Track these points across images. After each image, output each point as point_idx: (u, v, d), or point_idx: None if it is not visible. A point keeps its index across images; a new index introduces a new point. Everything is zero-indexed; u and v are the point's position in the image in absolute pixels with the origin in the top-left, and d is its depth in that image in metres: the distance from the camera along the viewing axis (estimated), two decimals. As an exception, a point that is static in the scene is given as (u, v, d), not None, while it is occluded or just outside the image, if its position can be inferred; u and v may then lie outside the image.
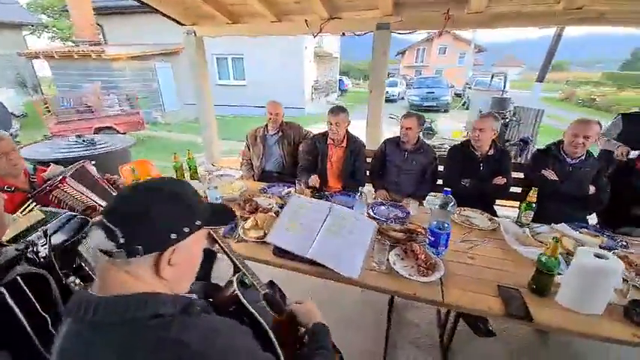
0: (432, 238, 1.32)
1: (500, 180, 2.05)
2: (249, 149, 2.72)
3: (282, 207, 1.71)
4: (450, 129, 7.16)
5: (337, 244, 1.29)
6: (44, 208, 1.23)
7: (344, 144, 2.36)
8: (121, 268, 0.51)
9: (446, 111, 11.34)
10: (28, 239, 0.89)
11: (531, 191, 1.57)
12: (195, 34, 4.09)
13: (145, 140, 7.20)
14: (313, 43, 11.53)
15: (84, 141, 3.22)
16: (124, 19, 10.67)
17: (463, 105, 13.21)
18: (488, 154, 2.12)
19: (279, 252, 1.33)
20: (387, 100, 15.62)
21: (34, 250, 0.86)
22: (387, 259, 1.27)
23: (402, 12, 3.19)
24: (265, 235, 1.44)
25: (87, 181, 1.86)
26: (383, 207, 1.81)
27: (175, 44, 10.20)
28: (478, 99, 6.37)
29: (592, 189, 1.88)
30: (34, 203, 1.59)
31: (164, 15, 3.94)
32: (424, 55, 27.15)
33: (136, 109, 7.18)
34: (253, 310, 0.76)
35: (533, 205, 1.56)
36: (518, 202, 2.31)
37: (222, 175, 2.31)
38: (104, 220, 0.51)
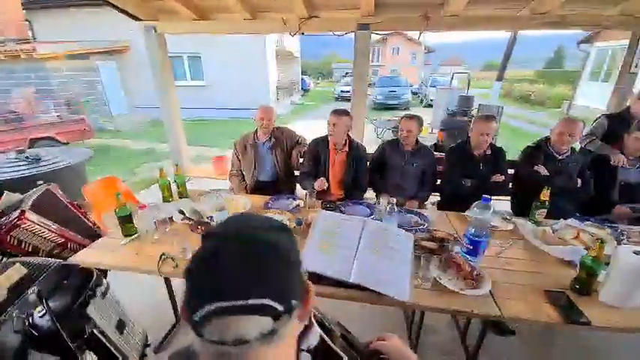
0: (471, 247, 1.29)
1: (499, 177, 2.12)
2: (238, 159, 2.49)
3: (299, 224, 1.56)
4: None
5: (379, 262, 1.19)
6: (21, 259, 0.94)
7: (346, 149, 2.26)
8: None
9: (406, 109, 11.83)
10: (17, 308, 0.64)
11: (543, 190, 1.63)
12: (155, 31, 3.66)
13: (96, 151, 6.35)
14: (273, 41, 11.23)
15: (27, 157, 2.68)
16: (57, 15, 9.29)
17: (421, 103, 13.95)
18: (486, 153, 2.19)
19: (316, 278, 1.19)
20: (349, 99, 15.92)
21: (30, 321, 0.62)
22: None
23: (382, 13, 3.17)
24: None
25: (55, 210, 1.52)
26: (399, 213, 1.75)
27: (121, 41, 9.20)
28: (442, 97, 6.72)
29: (579, 182, 2.03)
30: None
31: (117, 9, 3.46)
32: (379, 55, 28.15)
33: (80, 114, 6.30)
34: (343, 355, 0.64)
35: (546, 203, 1.62)
36: (509, 197, 2.45)
37: (214, 191, 2.06)
38: (251, 302, 0.34)
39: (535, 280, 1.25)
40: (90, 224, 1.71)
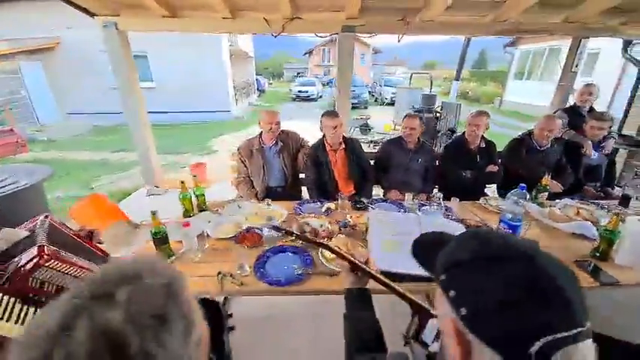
0: (509, 231, 1.44)
1: (493, 168, 2.38)
2: (245, 165, 2.37)
3: (345, 226, 1.57)
4: (378, 124, 7.84)
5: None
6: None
7: (342, 146, 2.32)
8: None
9: (365, 107, 12.35)
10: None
11: (545, 175, 1.89)
12: (116, 27, 3.28)
13: (31, 166, 5.42)
14: (226, 41, 10.76)
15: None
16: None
17: (376, 101, 14.65)
18: (481, 146, 2.43)
19: (398, 278, 1.23)
20: (307, 99, 16.01)
21: None
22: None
23: (365, 16, 3.29)
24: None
25: (64, 241, 1.29)
26: (427, 207, 1.87)
27: (48, 38, 7.95)
28: (403, 96, 7.19)
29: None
30: (8, 297, 1.02)
31: (69, 2, 3.02)
32: (329, 55, 28.80)
33: (7, 125, 5.30)
34: None
35: (547, 186, 1.88)
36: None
37: (232, 201, 1.95)
38: (587, 325, 0.34)
39: (560, 253, 1.45)
40: (99, 252, 1.49)
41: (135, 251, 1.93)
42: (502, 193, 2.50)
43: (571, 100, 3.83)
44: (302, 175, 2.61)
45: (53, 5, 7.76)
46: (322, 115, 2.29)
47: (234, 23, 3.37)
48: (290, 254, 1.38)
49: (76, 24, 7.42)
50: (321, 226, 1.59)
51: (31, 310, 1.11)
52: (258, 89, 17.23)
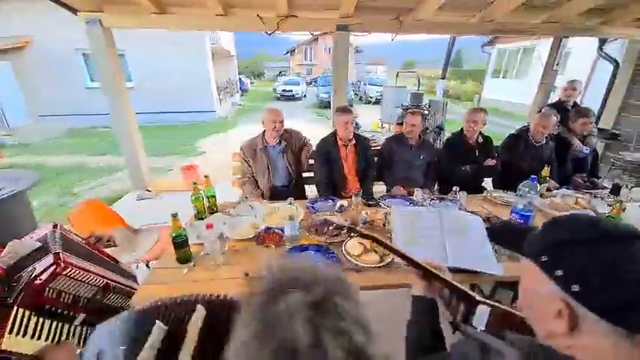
0: (522, 220, 1.50)
1: (491, 162, 2.48)
2: (249, 165, 2.33)
3: (364, 222, 1.59)
4: (365, 122, 7.94)
5: (466, 244, 1.31)
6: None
7: (353, 142, 2.34)
8: None
9: (350, 105, 12.43)
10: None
11: (545, 168, 1.99)
12: (101, 24, 3.12)
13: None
14: (208, 39, 10.47)
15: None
16: None
17: (360, 100, 14.79)
18: (479, 141, 2.52)
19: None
20: (292, 99, 15.91)
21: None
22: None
23: (360, 15, 3.31)
24: (382, 259, 1.31)
25: (77, 249, 1.22)
26: (435, 201, 1.91)
27: (17, 38, 7.43)
28: (389, 94, 7.32)
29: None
30: (23, 310, 0.95)
31: (49, -3, 2.85)
32: (312, 54, 28.77)
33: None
34: None
35: (547, 178, 1.97)
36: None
37: (242, 202, 1.91)
38: None
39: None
40: (110, 259, 1.42)
41: (145, 258, 1.86)
42: (499, 187, 2.60)
43: (553, 97, 4.05)
44: (305, 174, 2.62)
45: (24, 3, 7.27)
46: (335, 111, 2.31)
47: (227, 20, 3.29)
48: (313, 252, 1.38)
49: (49, 22, 7.00)
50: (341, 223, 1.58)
51: (47, 322, 1.05)
52: (240, 89, 16.92)
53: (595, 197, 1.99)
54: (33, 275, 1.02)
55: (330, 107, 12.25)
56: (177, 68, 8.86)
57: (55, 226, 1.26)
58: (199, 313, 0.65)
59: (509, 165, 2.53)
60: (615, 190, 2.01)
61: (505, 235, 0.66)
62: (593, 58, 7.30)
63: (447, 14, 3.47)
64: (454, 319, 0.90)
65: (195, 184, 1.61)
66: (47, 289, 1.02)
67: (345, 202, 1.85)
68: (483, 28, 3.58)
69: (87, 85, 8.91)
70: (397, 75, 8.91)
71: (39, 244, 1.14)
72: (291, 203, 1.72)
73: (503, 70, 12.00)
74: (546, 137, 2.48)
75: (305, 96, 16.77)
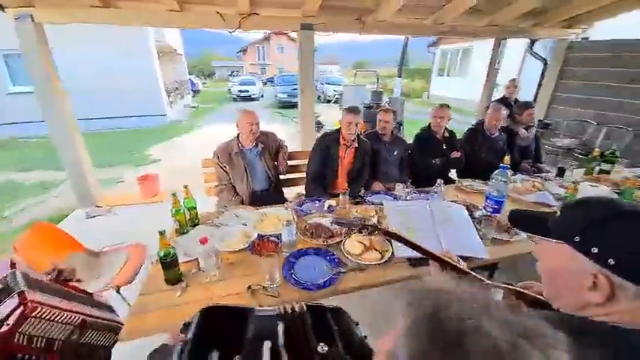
0: (496, 206, 1.65)
1: (456, 154, 2.67)
2: (225, 171, 2.19)
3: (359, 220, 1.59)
4: (328, 121, 8.01)
5: (457, 232, 1.39)
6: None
7: (355, 144, 2.34)
8: None
9: (310, 105, 12.50)
10: None
11: (505, 157, 2.19)
12: (32, 20, 2.70)
13: None
14: (152, 36, 9.64)
15: None
16: None
17: (318, 99, 14.91)
18: (445, 135, 2.70)
19: (414, 262, 1.30)
20: (249, 99, 15.44)
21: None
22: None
23: (323, 14, 3.32)
24: (382, 255, 1.33)
25: (42, 288, 1.03)
26: (416, 194, 2.00)
27: None
28: (350, 93, 7.49)
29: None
30: None
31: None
32: (265, 53, 28.22)
33: None
34: None
35: (508, 166, 2.18)
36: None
37: (224, 211, 1.79)
38: None
39: (534, 220, 1.72)
40: (80, 292, 1.23)
41: (115, 283, 1.64)
42: (462, 177, 2.82)
43: (495, 93, 4.51)
44: (283, 177, 2.56)
45: None
46: (344, 110, 2.27)
47: (182, 17, 3.06)
48: (314, 256, 1.34)
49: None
50: (332, 224, 1.57)
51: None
52: (192, 90, 15.92)
53: (546, 180, 2.26)
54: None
55: (289, 107, 12.20)
56: (118, 68, 7.98)
57: (12, 265, 1.06)
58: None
59: (469, 156, 2.75)
60: (561, 172, 2.31)
61: (525, 222, 0.71)
62: (521, 58, 8.30)
63: (405, 16, 3.65)
64: None
65: (174, 195, 1.46)
66: (17, 334, 0.84)
67: (332, 202, 1.84)
68: (435, 29, 3.85)
69: (9, 90, 7.60)
70: (355, 74, 9.18)
71: None
72: (287, 208, 1.66)
73: (446, 69, 13.04)
74: (499, 129, 2.75)
75: (262, 96, 16.40)
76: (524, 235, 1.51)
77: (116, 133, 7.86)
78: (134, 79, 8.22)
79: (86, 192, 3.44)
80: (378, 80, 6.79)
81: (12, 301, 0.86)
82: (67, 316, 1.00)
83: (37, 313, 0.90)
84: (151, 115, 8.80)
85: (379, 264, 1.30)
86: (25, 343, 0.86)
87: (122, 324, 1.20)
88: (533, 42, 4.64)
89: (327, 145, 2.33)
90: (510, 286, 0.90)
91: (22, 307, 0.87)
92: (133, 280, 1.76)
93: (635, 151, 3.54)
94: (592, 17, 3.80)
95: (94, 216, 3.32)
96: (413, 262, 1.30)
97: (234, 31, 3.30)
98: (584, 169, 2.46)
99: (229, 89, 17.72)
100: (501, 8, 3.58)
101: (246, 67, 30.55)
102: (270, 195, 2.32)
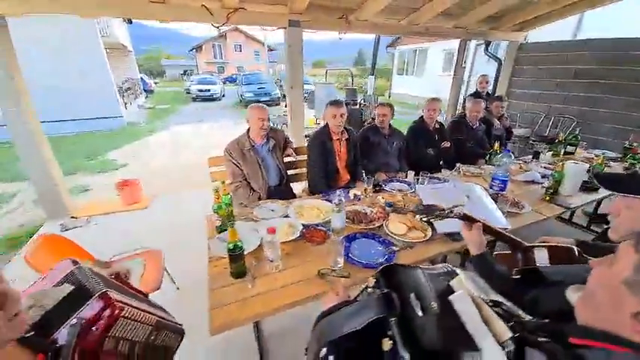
0: (502, 185, 1.88)
1: (446, 144, 2.92)
2: (240, 168, 2.14)
3: (389, 205, 1.70)
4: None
5: (484, 208, 1.57)
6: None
7: (346, 136, 2.43)
8: None
9: (277, 104, 12.34)
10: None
11: (496, 144, 2.48)
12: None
13: None
14: (98, 30, 8.73)
15: None
16: None
17: (285, 97, 14.81)
18: (436, 127, 2.94)
19: (455, 237, 1.44)
20: (210, 99, 14.75)
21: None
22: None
23: (310, 12, 3.38)
24: (425, 233, 1.46)
25: (115, 288, 0.96)
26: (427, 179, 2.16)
27: None
28: (321, 91, 7.60)
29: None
30: None
31: None
32: (221, 51, 27.09)
33: None
34: None
35: (499, 151, 2.47)
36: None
37: (259, 207, 1.77)
38: None
39: (528, 196, 1.98)
40: (139, 292, 1.16)
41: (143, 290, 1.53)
42: (451, 164, 3.09)
43: (463, 89, 4.96)
44: (290, 172, 2.57)
45: None
46: (327, 105, 2.32)
47: (165, 9, 2.89)
48: (363, 239, 1.42)
49: None
50: (371, 211, 1.66)
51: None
52: (144, 90, 14.73)
53: (525, 162, 2.60)
54: (80, 328, 0.77)
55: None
56: (63, 67, 7.12)
57: (75, 262, 0.96)
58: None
59: (457, 146, 3.04)
60: (536, 155, 2.67)
61: (612, 182, 0.85)
62: (472, 58, 9.18)
63: (384, 16, 3.85)
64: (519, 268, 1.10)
65: (216, 191, 1.42)
66: (106, 339, 0.79)
67: (357, 192, 1.93)
68: (411, 29, 4.12)
69: None
70: (326, 72, 9.36)
71: (70, 288, 0.85)
72: (357, 194, 1.70)
73: (405, 69, 13.85)
74: (479, 120, 3.08)
75: (224, 96, 15.77)
76: (529, 208, 1.75)
77: (68, 138, 7.01)
78: (85, 78, 7.40)
79: (56, 202, 3.07)
80: (352, 77, 7.02)
81: (95, 305, 0.80)
82: (145, 316, 0.95)
83: (125, 313, 0.85)
84: (106, 117, 8.00)
85: (423, 241, 1.42)
86: (112, 348, 0.81)
87: (180, 324, 1.16)
88: (488, 44, 5.20)
89: (322, 141, 2.36)
90: (550, 243, 1.07)
91: (110, 309, 0.82)
92: (159, 287, 1.67)
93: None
94: (537, 22, 4.39)
95: (69, 228, 2.98)
96: (454, 237, 1.44)
97: (220, 26, 3.20)
98: (552, 152, 2.88)
99: (187, 89, 16.76)
100: (466, 12, 3.97)
101: (201, 66, 29.03)
102: (282, 190, 2.33)
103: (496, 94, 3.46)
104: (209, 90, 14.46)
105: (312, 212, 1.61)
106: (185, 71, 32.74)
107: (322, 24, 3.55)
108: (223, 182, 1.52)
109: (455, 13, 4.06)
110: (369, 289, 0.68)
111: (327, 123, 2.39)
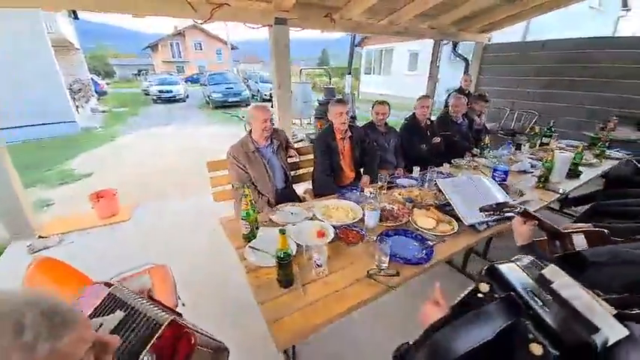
0: (504, 175, 2.01)
1: (437, 139, 3.05)
2: (246, 172, 2.04)
3: (410, 201, 1.73)
4: (274, 118, 7.93)
5: (493, 195, 1.67)
6: None
7: (349, 134, 2.42)
8: None
9: (247, 105, 11.98)
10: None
11: (486, 138, 2.63)
12: None
13: None
14: (44, 24, 7.77)
15: None
16: None
17: (253, 97, 14.46)
18: (427, 123, 3.05)
19: (478, 228, 1.51)
20: (172, 100, 13.89)
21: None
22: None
23: (297, 10, 3.32)
24: (452, 226, 1.51)
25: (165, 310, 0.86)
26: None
27: None
28: (298, 90, 7.53)
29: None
30: None
31: None
32: (180, 50, 25.61)
33: None
34: None
35: (488, 144, 2.63)
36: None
37: (278, 211, 1.70)
38: None
39: (524, 183, 2.15)
40: (172, 311, 1.05)
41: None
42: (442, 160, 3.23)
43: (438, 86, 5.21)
44: (297, 172, 2.51)
45: None
46: (331, 103, 2.31)
47: (144, 3, 2.68)
48: (396, 236, 1.43)
49: None
50: (395, 208, 1.68)
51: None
52: (96, 91, 13.44)
53: (514, 154, 2.81)
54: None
55: (226, 107, 11.44)
56: (7, 65, 6.24)
57: (107, 284, 0.86)
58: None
59: (446, 141, 3.19)
60: (518, 147, 2.90)
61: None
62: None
63: (366, 16, 3.92)
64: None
65: (247, 196, 1.33)
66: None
67: (372, 189, 1.93)
68: (392, 29, 4.24)
69: None
70: (300, 72, 9.27)
71: (122, 315, 0.74)
72: (371, 192, 1.69)
73: (372, 68, 14.24)
74: (462, 116, 3.27)
75: (187, 96, 14.95)
76: (527, 197, 1.90)
77: (17, 147, 6.15)
78: (31, 79, 6.54)
79: (19, 221, 2.69)
80: (329, 77, 7.05)
81: (168, 333, 0.71)
82: (207, 340, 0.87)
83: (197, 342, 0.77)
84: (57, 122, 7.16)
85: (453, 234, 1.47)
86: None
87: (220, 341, 1.07)
88: (455, 45, 5.52)
89: (327, 142, 2.35)
90: (585, 229, 1.16)
91: (184, 339, 0.73)
92: (177, 304, 1.53)
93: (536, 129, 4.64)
94: (502, 24, 4.76)
95: (39, 250, 2.63)
96: (478, 229, 1.50)
97: (204, 23, 3.02)
98: (529, 143, 3.15)
99: (145, 90, 15.65)
100: (440, 14, 4.19)
101: (157, 66, 27.18)
102: (288, 193, 2.27)
103: (478, 93, 3.66)
104: (171, 91, 13.61)
105: (339, 213, 1.58)
106: (140, 71, 30.53)
107: (308, 22, 3.51)
108: (247, 187, 1.43)
109: (430, 14, 4.25)
110: (480, 295, 0.66)
111: (330, 122, 2.37)
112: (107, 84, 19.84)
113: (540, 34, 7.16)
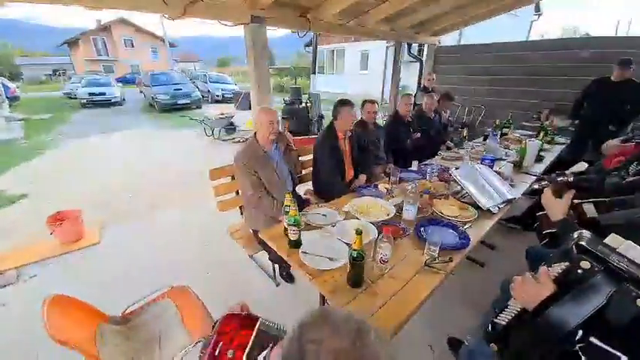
0: (491, 164, 2.27)
1: (416, 135, 3.29)
2: (258, 177, 1.94)
3: (428, 192, 1.85)
4: (236, 119, 7.57)
5: (498, 183, 1.89)
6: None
7: (349, 133, 2.47)
8: None
9: (198, 107, 11.21)
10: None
11: (465, 131, 2.92)
12: None
13: None
14: None
15: None
16: None
17: (205, 98, 13.61)
18: (409, 120, 3.26)
19: (492, 209, 1.70)
20: (106, 104, 12.31)
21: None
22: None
23: (273, 8, 3.25)
24: (474, 212, 1.66)
25: None
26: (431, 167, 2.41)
27: None
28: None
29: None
30: None
31: None
32: (107, 47, 22.71)
33: None
34: None
35: (466, 137, 2.92)
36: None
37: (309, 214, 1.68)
38: None
39: (503, 169, 2.45)
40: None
41: (196, 336, 1.27)
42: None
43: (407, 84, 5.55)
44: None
45: None
46: (341, 104, 2.32)
47: (108, -5, 2.32)
48: (430, 226, 1.52)
49: None
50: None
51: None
52: (7, 97, 11.20)
53: (483, 144, 3.16)
54: None
55: (174, 110, 10.53)
56: None
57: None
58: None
59: (425, 135, 3.45)
60: (485, 138, 3.28)
61: None
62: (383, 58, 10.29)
63: (337, 18, 4.00)
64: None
65: (294, 202, 1.29)
66: None
67: (387, 185, 2.02)
68: (356, 30, 4.41)
69: None
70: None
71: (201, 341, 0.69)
72: (387, 188, 1.73)
73: (324, 67, 14.50)
74: (433, 112, 3.57)
75: (124, 99, 13.40)
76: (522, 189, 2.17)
77: None
78: None
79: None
80: (295, 77, 6.97)
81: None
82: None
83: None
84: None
85: (475, 219, 1.62)
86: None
87: None
88: (409, 47, 5.96)
89: (332, 144, 2.37)
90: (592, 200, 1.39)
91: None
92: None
93: (484, 122, 5.28)
94: (449, 29, 5.28)
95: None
96: (495, 211, 1.68)
97: (176, 19, 2.77)
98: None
99: (69, 93, 13.64)
100: (400, 19, 4.50)
101: (78, 65, 23.70)
102: (295, 195, 2.23)
103: (445, 92, 4.01)
104: (104, 93, 12.05)
105: (373, 210, 1.63)
106: (55, 71, 26.42)
107: (284, 22, 3.45)
108: (289, 193, 1.39)
109: (392, 18, 4.53)
110: (580, 271, 0.77)
111: (332, 123, 2.39)
112: (18, 87, 16.72)
113: (471, 37, 8.15)
